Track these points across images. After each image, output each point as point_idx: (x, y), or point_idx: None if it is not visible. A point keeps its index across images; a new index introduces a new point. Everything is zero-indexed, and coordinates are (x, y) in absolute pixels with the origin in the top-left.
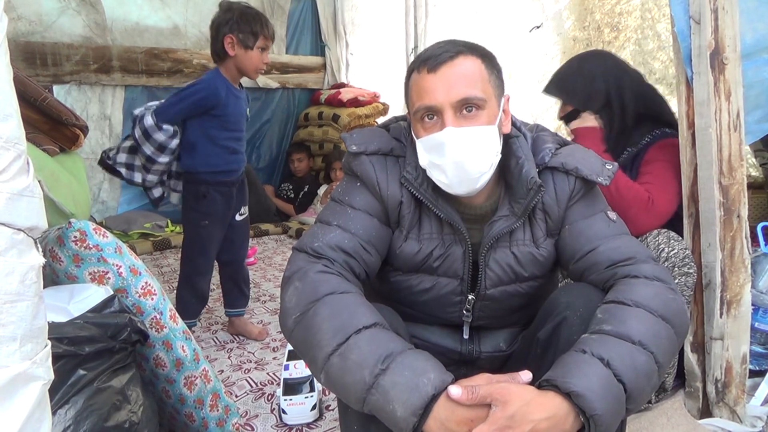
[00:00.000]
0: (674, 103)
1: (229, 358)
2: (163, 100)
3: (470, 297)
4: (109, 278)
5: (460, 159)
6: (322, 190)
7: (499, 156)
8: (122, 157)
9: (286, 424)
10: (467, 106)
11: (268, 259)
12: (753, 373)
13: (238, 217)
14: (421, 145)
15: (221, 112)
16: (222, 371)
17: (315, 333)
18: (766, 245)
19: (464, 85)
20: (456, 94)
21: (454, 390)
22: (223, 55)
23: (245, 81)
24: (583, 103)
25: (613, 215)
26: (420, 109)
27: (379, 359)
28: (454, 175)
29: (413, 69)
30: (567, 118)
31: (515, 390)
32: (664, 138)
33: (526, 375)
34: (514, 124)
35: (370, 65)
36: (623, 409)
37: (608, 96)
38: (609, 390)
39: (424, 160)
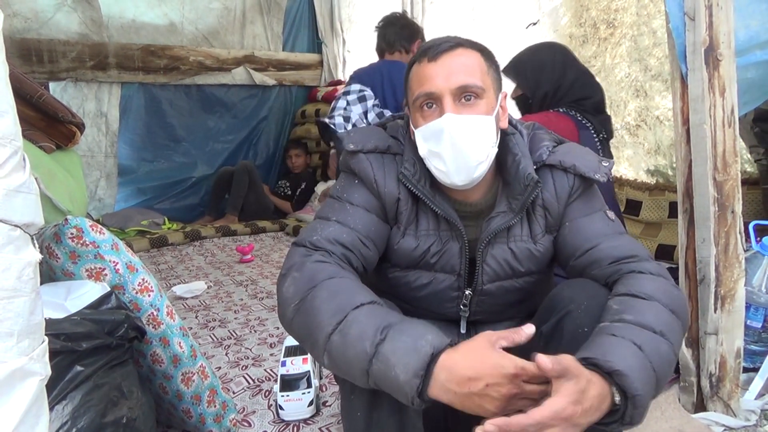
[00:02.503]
0: (669, 100)
1: (226, 354)
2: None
3: (467, 292)
4: (106, 275)
5: (459, 145)
6: (319, 188)
7: (496, 149)
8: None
9: (283, 420)
10: (466, 94)
11: (265, 256)
12: (746, 371)
13: None
14: (419, 134)
15: None
16: (219, 368)
17: (315, 316)
18: (757, 243)
19: (464, 73)
20: (456, 81)
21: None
22: (401, 52)
23: (243, 79)
24: (531, 89)
25: (611, 214)
26: (420, 96)
27: (378, 329)
28: (452, 162)
29: (414, 61)
30: (518, 100)
31: (580, 367)
32: (544, 113)
33: (530, 327)
34: (510, 121)
35: (367, 62)
36: (654, 393)
37: (551, 84)
38: (645, 371)
39: (423, 149)
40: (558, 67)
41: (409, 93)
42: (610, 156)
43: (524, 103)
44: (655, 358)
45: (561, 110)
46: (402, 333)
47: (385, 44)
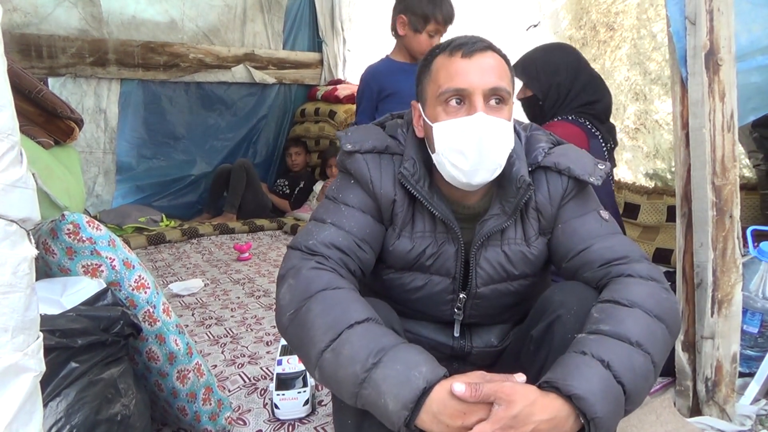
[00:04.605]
0: (669, 104)
1: (222, 352)
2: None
3: (461, 295)
4: (102, 271)
5: (485, 147)
6: (318, 187)
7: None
8: None
9: (278, 419)
10: (496, 97)
11: (262, 255)
12: (742, 375)
13: None
14: (440, 128)
15: (393, 89)
16: (215, 366)
17: (308, 329)
18: (755, 248)
19: (496, 75)
20: (489, 82)
21: (458, 386)
22: (396, 34)
23: (243, 77)
24: (544, 92)
25: (605, 215)
26: (448, 91)
27: (370, 353)
28: (475, 162)
29: (438, 54)
30: (526, 101)
31: (520, 390)
32: (556, 121)
33: (521, 377)
34: None
35: (367, 62)
36: (622, 411)
37: (564, 88)
38: (609, 392)
39: (441, 144)
40: (571, 70)
41: (432, 86)
42: (614, 165)
43: (534, 104)
44: (626, 374)
45: (570, 118)
46: (395, 360)
47: None
